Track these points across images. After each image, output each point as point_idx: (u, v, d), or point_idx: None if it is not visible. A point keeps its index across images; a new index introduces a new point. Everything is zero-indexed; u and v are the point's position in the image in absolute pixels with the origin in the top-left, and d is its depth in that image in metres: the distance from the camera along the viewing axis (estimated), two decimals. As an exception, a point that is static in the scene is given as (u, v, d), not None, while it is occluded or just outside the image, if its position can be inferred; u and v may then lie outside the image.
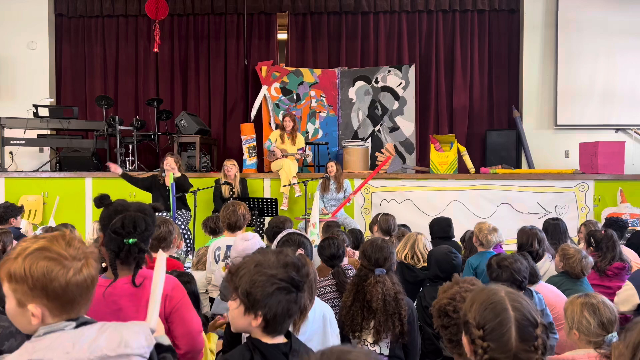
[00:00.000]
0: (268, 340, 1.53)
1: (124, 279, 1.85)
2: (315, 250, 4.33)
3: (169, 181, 5.69)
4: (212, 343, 2.35)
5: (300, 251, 2.51)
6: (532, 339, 1.33)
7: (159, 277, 1.57)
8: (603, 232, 3.94)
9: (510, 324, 1.33)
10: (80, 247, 1.30)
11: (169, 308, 1.93)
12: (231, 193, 6.38)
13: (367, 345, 2.66)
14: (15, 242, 4.13)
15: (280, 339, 1.55)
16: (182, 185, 5.92)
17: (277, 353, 1.52)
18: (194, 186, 6.17)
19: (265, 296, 1.48)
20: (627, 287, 3.35)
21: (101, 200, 1.94)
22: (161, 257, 1.60)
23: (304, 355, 1.42)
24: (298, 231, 2.86)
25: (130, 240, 1.81)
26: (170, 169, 5.87)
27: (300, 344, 1.63)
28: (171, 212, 5.51)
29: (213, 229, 4.42)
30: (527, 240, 3.81)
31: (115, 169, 6.14)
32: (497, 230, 3.97)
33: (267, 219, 5.89)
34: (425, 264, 3.72)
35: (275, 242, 2.59)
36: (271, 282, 1.48)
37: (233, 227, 3.61)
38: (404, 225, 5.20)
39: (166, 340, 1.54)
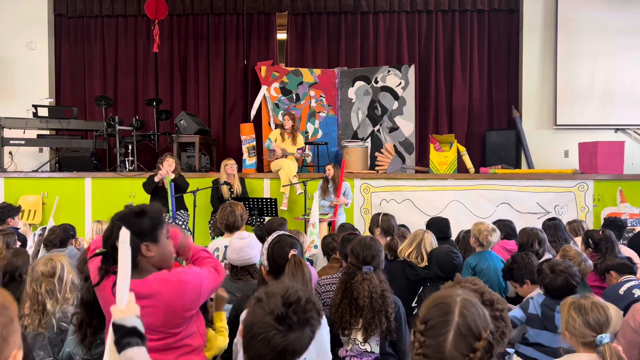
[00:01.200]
0: None
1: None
2: (316, 252, 4.33)
3: (167, 182, 5.69)
4: (222, 321, 2.37)
5: (293, 252, 2.49)
6: (468, 350, 1.28)
7: (124, 254, 1.54)
8: (601, 232, 3.92)
9: (450, 327, 1.29)
10: None
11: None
12: (230, 193, 6.35)
13: (358, 344, 2.66)
14: (18, 242, 4.13)
15: None
16: (180, 187, 5.91)
17: None
18: (192, 186, 6.16)
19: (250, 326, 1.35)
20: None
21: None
22: (124, 233, 1.58)
23: None
24: (288, 233, 2.85)
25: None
26: (172, 170, 5.88)
27: None
28: (170, 212, 5.51)
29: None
30: (527, 240, 3.81)
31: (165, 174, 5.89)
32: (495, 230, 3.97)
33: (267, 219, 5.87)
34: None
35: (266, 245, 2.57)
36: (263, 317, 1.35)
37: (231, 228, 3.61)
38: (403, 226, 5.19)
39: (130, 322, 1.50)
